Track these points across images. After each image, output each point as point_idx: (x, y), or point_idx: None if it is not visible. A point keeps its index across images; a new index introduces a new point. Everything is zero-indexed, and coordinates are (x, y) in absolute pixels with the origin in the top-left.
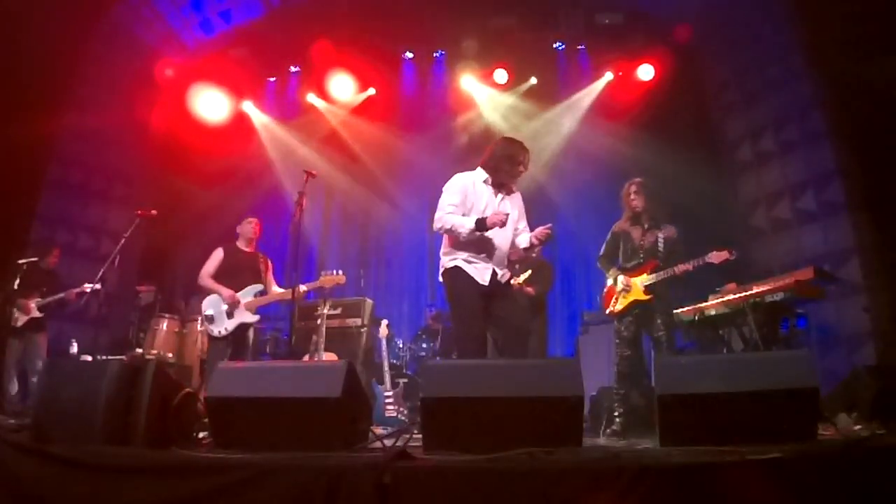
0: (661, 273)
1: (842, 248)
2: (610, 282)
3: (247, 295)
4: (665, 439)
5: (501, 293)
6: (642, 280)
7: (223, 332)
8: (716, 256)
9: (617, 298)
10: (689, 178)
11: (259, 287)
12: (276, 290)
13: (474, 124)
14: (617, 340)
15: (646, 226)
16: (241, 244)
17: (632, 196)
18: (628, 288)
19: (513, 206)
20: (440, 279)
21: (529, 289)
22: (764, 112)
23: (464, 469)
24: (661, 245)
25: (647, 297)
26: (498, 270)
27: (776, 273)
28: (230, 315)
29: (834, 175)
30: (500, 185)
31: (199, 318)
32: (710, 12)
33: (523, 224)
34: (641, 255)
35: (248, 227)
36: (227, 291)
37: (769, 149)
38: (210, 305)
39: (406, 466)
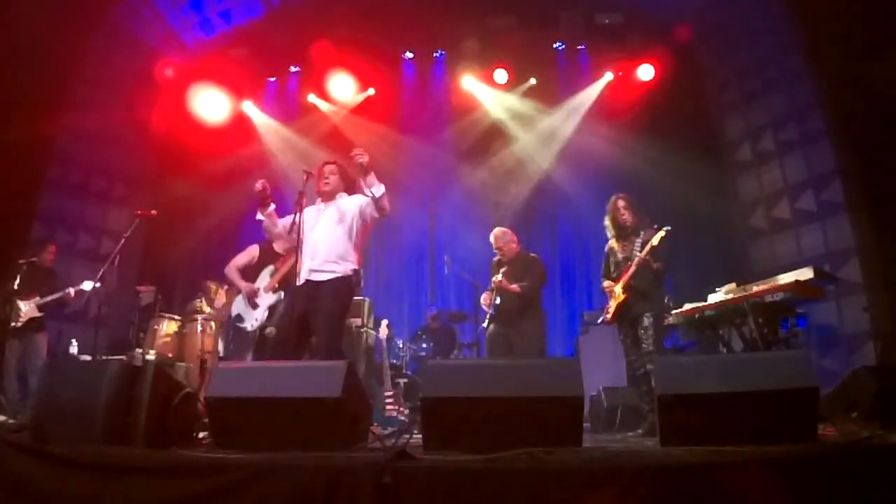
0: (633, 267)
1: (842, 248)
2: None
3: (262, 280)
4: (665, 439)
5: (315, 286)
6: (621, 283)
7: (255, 324)
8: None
9: (609, 306)
10: (690, 178)
11: (271, 267)
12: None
13: (480, 124)
14: (623, 346)
15: (627, 234)
16: (277, 247)
17: (620, 211)
18: (612, 293)
19: (319, 211)
20: None
21: (514, 287)
22: (764, 112)
23: (464, 469)
24: (637, 249)
25: (625, 296)
26: (312, 267)
27: (776, 273)
28: (254, 306)
29: (833, 175)
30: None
31: (199, 319)
32: (710, 12)
33: (348, 222)
34: (624, 264)
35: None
36: (245, 285)
37: (769, 149)
38: (236, 308)
39: (406, 466)
